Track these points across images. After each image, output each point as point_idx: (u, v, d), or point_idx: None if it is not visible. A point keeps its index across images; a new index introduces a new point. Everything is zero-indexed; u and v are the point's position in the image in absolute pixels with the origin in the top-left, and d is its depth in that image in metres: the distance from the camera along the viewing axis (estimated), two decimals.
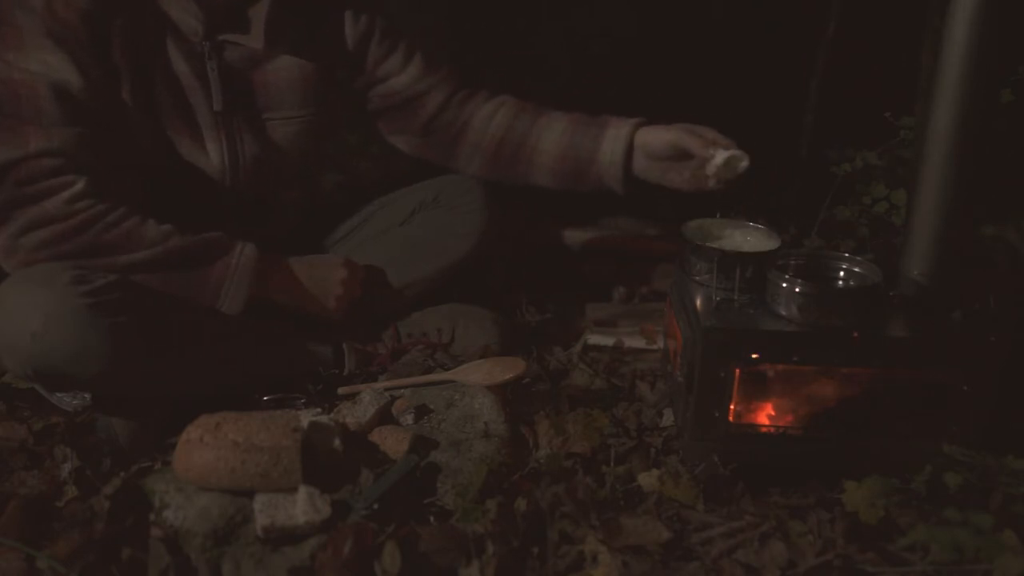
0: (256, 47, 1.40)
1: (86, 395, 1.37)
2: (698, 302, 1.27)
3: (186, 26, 1.36)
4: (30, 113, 1.24)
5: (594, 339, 1.68)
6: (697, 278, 1.33)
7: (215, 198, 1.45)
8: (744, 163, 1.40)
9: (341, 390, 1.43)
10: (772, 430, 1.24)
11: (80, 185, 1.26)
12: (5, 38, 1.24)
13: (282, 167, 1.50)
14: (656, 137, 1.48)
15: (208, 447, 1.11)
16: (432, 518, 1.15)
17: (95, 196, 1.27)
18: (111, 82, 1.31)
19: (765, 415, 1.24)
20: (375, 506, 1.12)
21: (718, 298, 1.26)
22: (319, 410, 1.33)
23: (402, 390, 1.42)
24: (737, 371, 1.20)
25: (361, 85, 1.56)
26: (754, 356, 1.20)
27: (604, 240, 2.06)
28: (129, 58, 1.31)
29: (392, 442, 1.25)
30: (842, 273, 1.30)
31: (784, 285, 1.21)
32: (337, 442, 1.20)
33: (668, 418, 1.40)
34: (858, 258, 1.29)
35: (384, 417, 1.33)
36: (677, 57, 2.16)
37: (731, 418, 1.23)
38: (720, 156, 1.40)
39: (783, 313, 1.22)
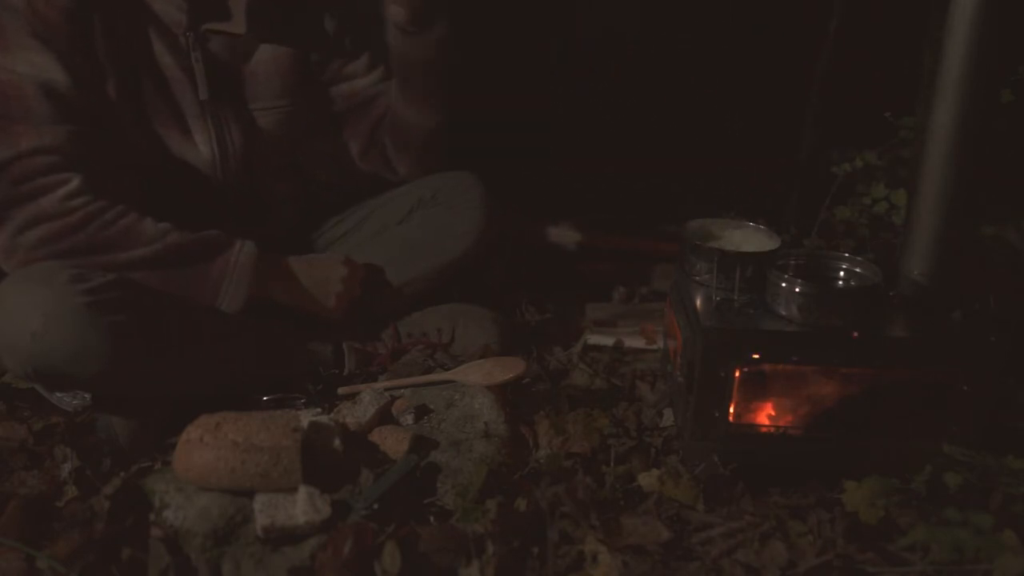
0: (239, 33, 1.41)
1: (86, 395, 1.37)
2: (698, 302, 1.27)
3: (169, 18, 1.37)
4: (20, 113, 1.24)
5: (594, 339, 1.68)
6: (697, 278, 1.33)
7: (210, 195, 1.46)
8: None
9: (341, 390, 1.43)
10: (772, 430, 1.24)
11: (75, 183, 1.26)
12: None
13: (270, 157, 1.52)
14: None
15: (208, 447, 1.11)
16: (432, 518, 1.15)
17: (91, 193, 1.27)
18: (97, 79, 1.31)
19: (765, 415, 1.24)
20: (375, 506, 1.12)
21: (718, 298, 1.26)
22: (319, 410, 1.33)
23: (402, 390, 1.42)
24: (737, 371, 1.20)
25: (328, 78, 1.58)
26: (754, 356, 1.20)
27: (604, 240, 2.06)
28: (113, 54, 1.32)
29: (392, 442, 1.25)
30: (842, 273, 1.30)
31: (784, 285, 1.21)
32: (337, 442, 1.20)
33: (668, 418, 1.40)
34: (858, 258, 1.30)
35: (384, 417, 1.33)
36: (678, 57, 2.16)
37: (731, 418, 1.23)
38: None
39: (783, 313, 1.22)
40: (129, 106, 1.35)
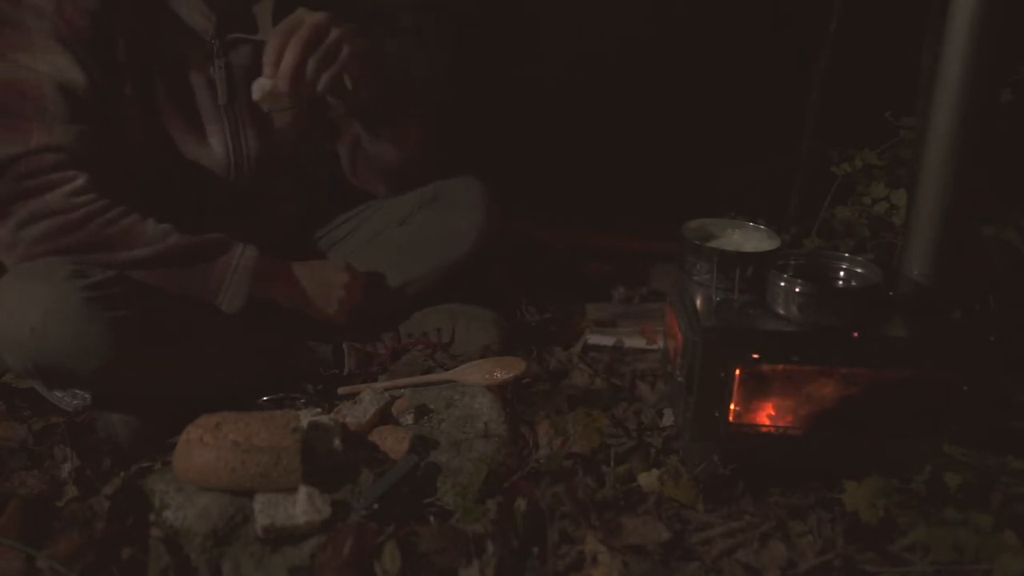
0: (265, 39, 1.42)
1: (86, 395, 1.37)
2: (698, 302, 1.27)
3: (197, 25, 1.39)
4: (34, 111, 1.25)
5: (594, 339, 1.68)
6: (697, 278, 1.33)
7: (216, 198, 1.46)
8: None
9: (341, 390, 1.43)
10: (772, 430, 1.24)
11: (81, 181, 1.27)
12: (11, 40, 1.25)
13: (278, 156, 1.52)
14: None
15: (208, 447, 1.11)
16: (432, 518, 1.15)
17: (95, 192, 1.28)
18: (115, 81, 1.32)
19: (765, 415, 1.24)
20: (375, 506, 1.12)
21: (718, 298, 1.26)
22: (319, 410, 1.33)
23: (402, 390, 1.42)
24: (737, 371, 1.20)
25: None
26: (754, 356, 1.20)
27: (604, 240, 2.06)
28: (134, 57, 1.33)
29: (392, 442, 1.25)
30: (842, 273, 1.30)
31: (784, 285, 1.21)
32: (337, 442, 1.20)
33: (668, 418, 1.40)
34: (858, 258, 1.29)
35: (384, 417, 1.33)
36: (680, 57, 2.16)
37: (731, 418, 1.23)
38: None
39: (783, 313, 1.21)
40: (146, 108, 1.36)
